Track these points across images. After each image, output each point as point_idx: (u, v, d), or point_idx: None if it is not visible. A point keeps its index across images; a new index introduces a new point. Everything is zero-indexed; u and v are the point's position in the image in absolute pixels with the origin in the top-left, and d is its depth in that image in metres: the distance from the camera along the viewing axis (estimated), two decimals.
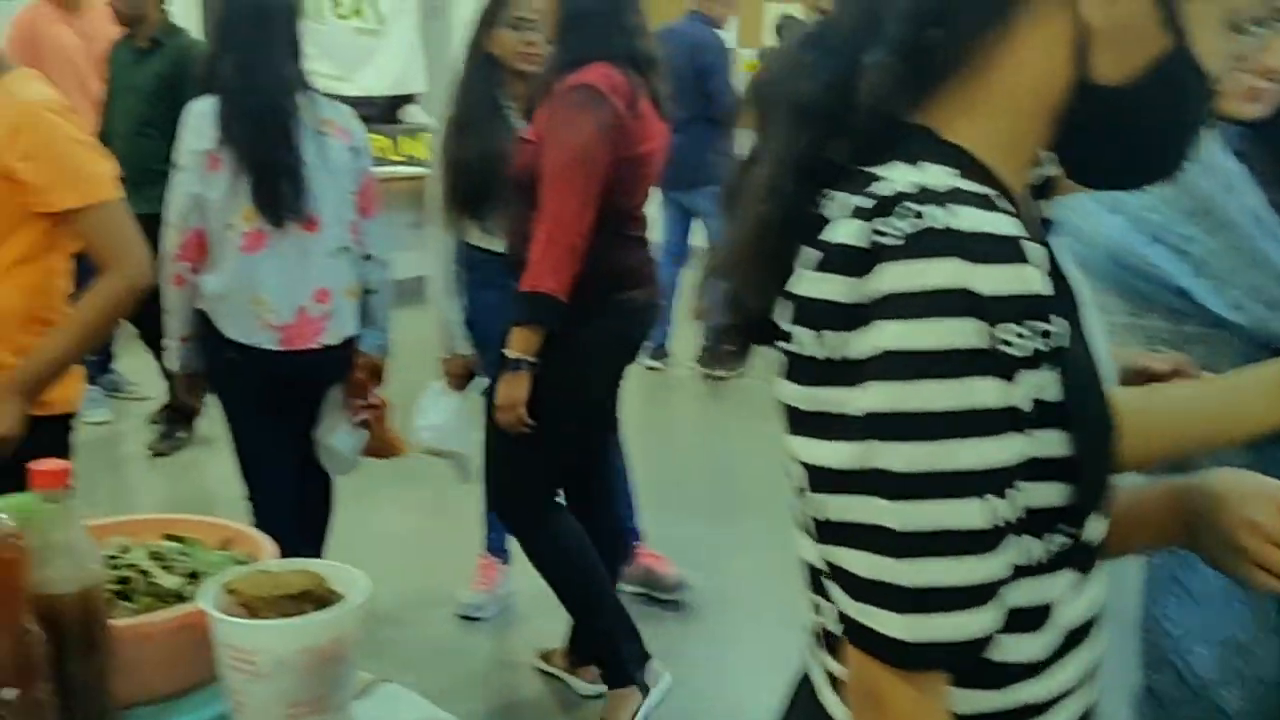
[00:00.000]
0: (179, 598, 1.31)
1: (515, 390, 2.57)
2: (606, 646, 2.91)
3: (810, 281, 0.84)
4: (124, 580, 1.31)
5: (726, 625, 3.49)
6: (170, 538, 1.44)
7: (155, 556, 1.37)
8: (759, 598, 3.55)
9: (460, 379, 3.22)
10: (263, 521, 2.83)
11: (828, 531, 0.86)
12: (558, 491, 2.89)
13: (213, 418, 4.91)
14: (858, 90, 0.85)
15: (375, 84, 7.34)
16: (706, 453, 5.09)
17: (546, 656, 3.16)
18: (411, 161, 7.35)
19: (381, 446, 3.06)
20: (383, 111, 7.26)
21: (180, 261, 2.75)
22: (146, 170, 4.11)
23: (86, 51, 4.84)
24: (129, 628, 1.23)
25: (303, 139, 2.75)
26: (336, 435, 2.94)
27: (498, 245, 2.93)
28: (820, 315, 0.83)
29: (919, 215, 0.79)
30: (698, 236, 5.77)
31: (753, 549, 3.94)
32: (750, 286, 0.92)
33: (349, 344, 2.90)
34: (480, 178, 2.95)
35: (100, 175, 2.13)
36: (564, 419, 2.68)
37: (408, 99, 7.95)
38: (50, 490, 1.11)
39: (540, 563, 2.84)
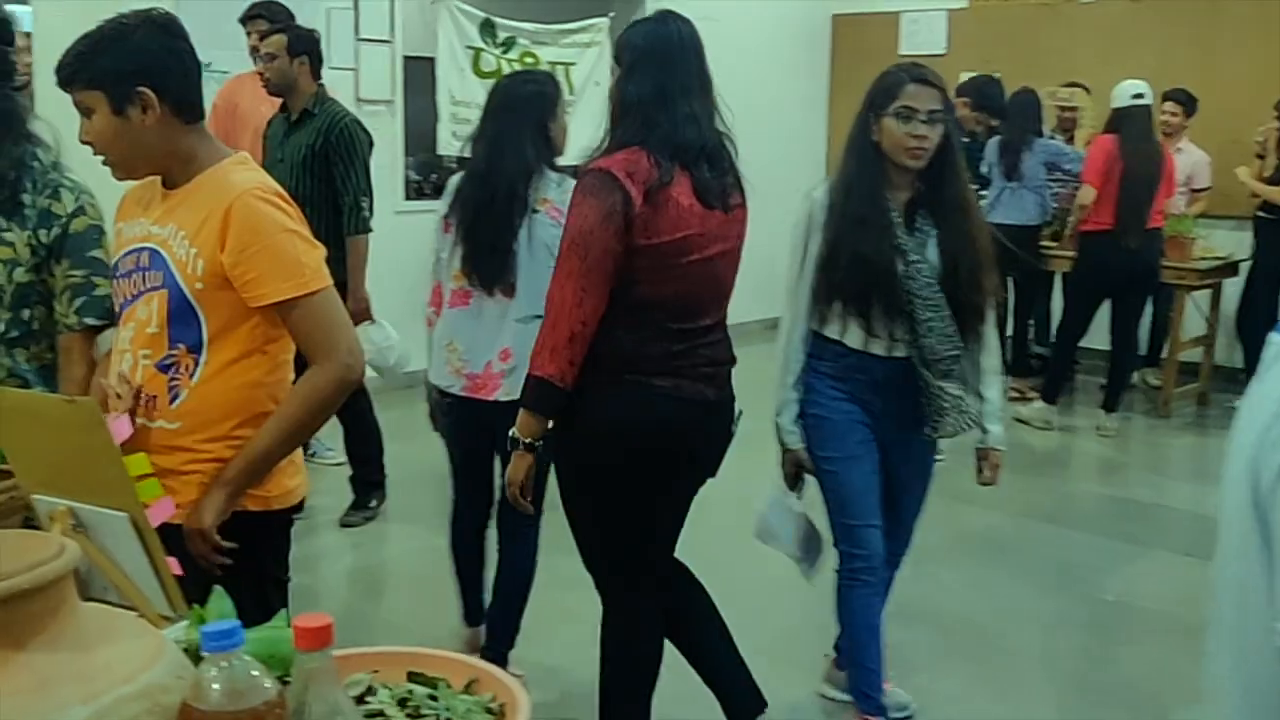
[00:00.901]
0: None
1: (515, 470, 2.55)
2: None
3: None
4: None
5: None
6: (415, 675, 1.32)
7: (402, 702, 1.25)
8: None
9: (792, 476, 3.11)
10: (455, 519, 3.51)
11: None
12: (641, 571, 2.70)
13: (398, 495, 4.98)
14: None
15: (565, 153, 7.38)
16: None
17: None
18: None
19: None
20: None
21: (430, 307, 3.32)
22: None
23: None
24: None
25: (521, 219, 3.06)
26: None
27: (861, 341, 2.90)
28: None
29: None
30: None
31: (944, 660, 3.69)
32: None
33: None
34: (854, 273, 2.84)
35: (311, 264, 2.02)
36: (587, 499, 2.61)
37: None
38: (314, 650, 1.00)
39: (601, 634, 2.75)
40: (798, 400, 2.97)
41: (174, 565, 1.55)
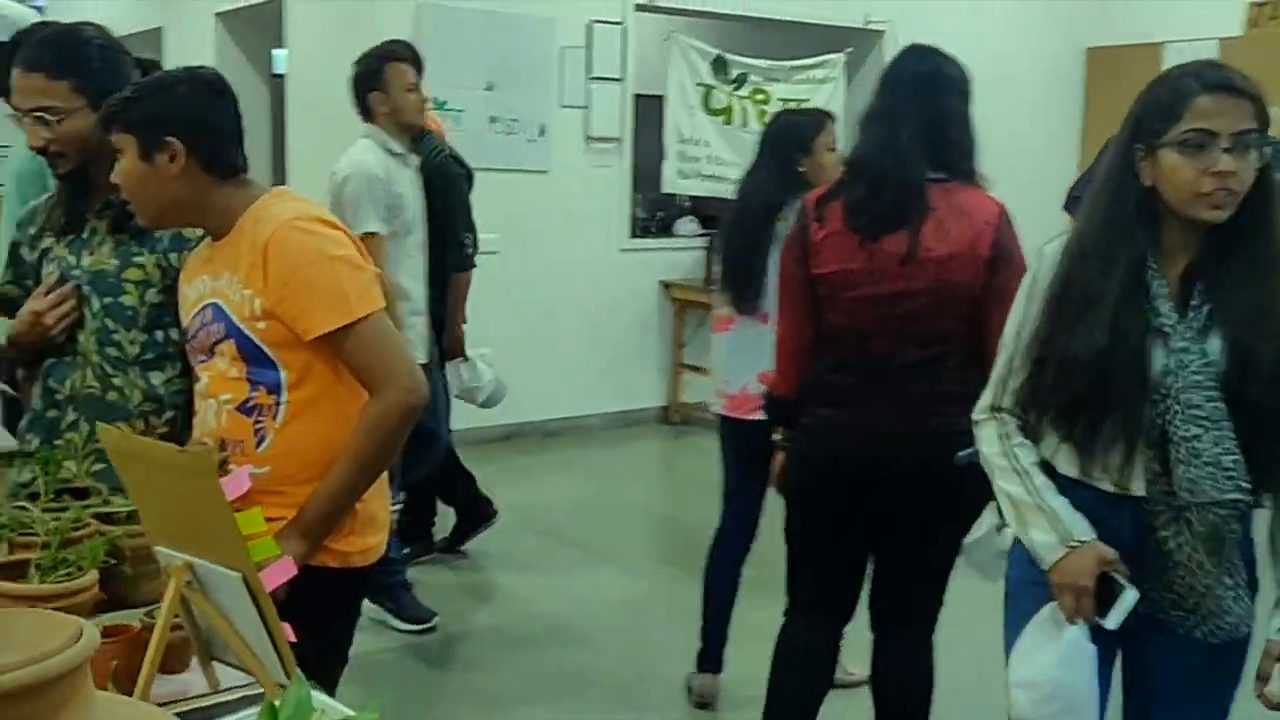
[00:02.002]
0: None
1: (774, 464, 2.85)
2: None
3: None
4: None
5: None
6: None
7: None
8: None
9: (1096, 592, 1.93)
10: (714, 543, 3.59)
11: None
12: (796, 591, 2.79)
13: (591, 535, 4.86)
14: None
15: None
16: None
17: None
18: None
19: None
20: None
21: (715, 333, 3.59)
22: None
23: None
24: None
25: (768, 246, 3.23)
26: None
27: (1077, 467, 1.96)
28: None
29: None
30: None
31: None
32: None
33: None
34: (1083, 372, 1.89)
35: (355, 290, 1.92)
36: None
37: None
38: None
39: None
40: (1054, 486, 1.97)
41: (288, 631, 1.43)
